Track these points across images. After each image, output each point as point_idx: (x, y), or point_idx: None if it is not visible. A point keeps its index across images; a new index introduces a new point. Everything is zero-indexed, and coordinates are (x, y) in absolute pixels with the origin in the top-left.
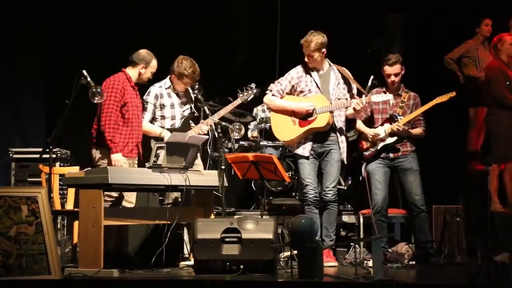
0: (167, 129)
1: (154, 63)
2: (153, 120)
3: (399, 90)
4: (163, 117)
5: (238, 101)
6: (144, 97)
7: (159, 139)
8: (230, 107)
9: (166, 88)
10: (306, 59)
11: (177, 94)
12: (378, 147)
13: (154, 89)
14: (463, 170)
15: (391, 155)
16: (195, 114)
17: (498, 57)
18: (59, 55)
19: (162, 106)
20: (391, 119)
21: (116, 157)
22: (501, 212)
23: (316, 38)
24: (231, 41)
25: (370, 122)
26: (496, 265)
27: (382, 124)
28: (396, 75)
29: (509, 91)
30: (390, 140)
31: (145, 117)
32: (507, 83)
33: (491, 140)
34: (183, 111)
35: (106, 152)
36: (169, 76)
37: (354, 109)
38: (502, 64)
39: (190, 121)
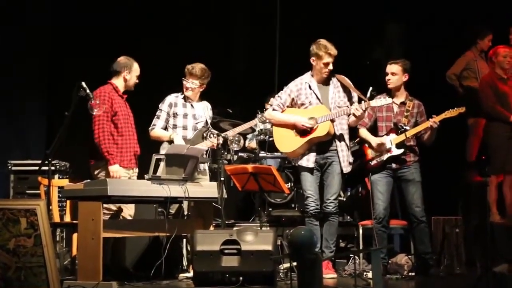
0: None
1: (136, 66)
2: (166, 128)
3: (398, 93)
4: (175, 126)
5: (255, 121)
6: (159, 105)
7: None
8: (247, 125)
9: (181, 98)
10: (320, 68)
11: (192, 106)
12: (384, 159)
13: (170, 97)
14: (462, 181)
15: (393, 165)
16: (210, 129)
17: (493, 70)
18: (60, 67)
19: (175, 115)
20: (396, 128)
21: (114, 168)
22: (500, 223)
23: (333, 46)
24: (231, 51)
25: (374, 130)
26: (495, 276)
27: (387, 133)
28: (393, 74)
29: (499, 104)
30: (397, 151)
31: (158, 124)
32: (497, 96)
33: (489, 151)
34: (196, 123)
35: (104, 164)
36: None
37: (354, 115)
38: (494, 78)
39: (205, 134)
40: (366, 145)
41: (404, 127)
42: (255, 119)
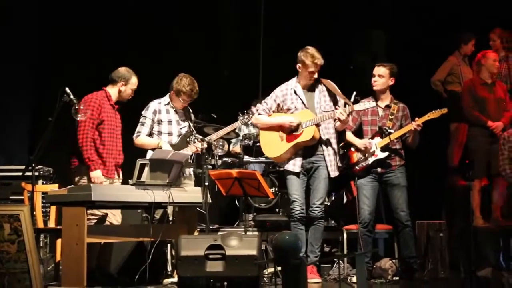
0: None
1: (134, 80)
2: (150, 135)
3: (383, 96)
4: (159, 133)
5: (237, 124)
6: (142, 112)
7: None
8: (229, 128)
9: (165, 105)
10: (305, 74)
11: (176, 111)
12: (369, 162)
13: (153, 104)
14: (445, 185)
15: (379, 169)
16: (194, 132)
17: (477, 74)
18: (45, 72)
19: (160, 122)
20: (381, 132)
21: (95, 174)
22: (484, 227)
23: (320, 56)
24: (215, 57)
25: (360, 134)
26: (479, 280)
27: (372, 137)
28: (379, 76)
29: (477, 109)
30: (382, 155)
31: (142, 131)
32: (476, 101)
33: (471, 156)
34: (181, 128)
35: (86, 170)
36: (169, 93)
37: (339, 119)
38: (475, 83)
39: (188, 139)
40: (352, 149)
41: (389, 130)
42: (237, 121)
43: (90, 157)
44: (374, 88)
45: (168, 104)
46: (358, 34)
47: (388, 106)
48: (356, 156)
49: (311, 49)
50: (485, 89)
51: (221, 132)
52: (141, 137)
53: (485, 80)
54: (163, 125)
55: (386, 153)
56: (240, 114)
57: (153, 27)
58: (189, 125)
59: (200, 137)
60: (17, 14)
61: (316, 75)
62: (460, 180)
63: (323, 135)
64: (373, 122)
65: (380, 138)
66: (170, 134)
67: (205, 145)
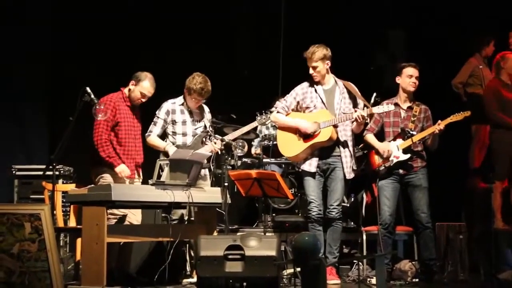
0: (176, 145)
1: (145, 84)
2: (164, 135)
3: (411, 100)
4: (174, 133)
5: (255, 123)
6: (156, 112)
7: (167, 156)
8: (246, 128)
9: (179, 105)
10: (311, 72)
11: (190, 112)
12: (392, 164)
13: (167, 104)
14: (466, 187)
15: (401, 171)
16: (209, 133)
17: (498, 76)
18: (63, 72)
19: (174, 122)
20: (403, 133)
21: (119, 169)
22: (504, 230)
23: (319, 50)
24: (234, 57)
25: (382, 136)
26: (500, 283)
27: (394, 139)
28: (416, 78)
29: (503, 110)
30: (404, 157)
31: (154, 131)
32: (501, 103)
33: (494, 157)
34: (196, 129)
35: (105, 170)
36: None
37: (356, 120)
38: (498, 84)
39: (204, 139)
40: (374, 151)
41: (411, 132)
42: (255, 121)
43: (109, 154)
44: (413, 89)
45: (182, 104)
46: (378, 35)
47: (410, 108)
48: (377, 159)
49: (311, 46)
50: (508, 91)
51: (238, 132)
52: (152, 137)
53: (506, 81)
54: (177, 125)
55: (408, 155)
56: (258, 114)
57: (172, 29)
58: (205, 125)
59: (219, 137)
60: (30, 14)
61: (320, 70)
62: (481, 182)
63: (341, 136)
64: (395, 124)
65: (402, 140)
66: (184, 134)
67: (221, 145)
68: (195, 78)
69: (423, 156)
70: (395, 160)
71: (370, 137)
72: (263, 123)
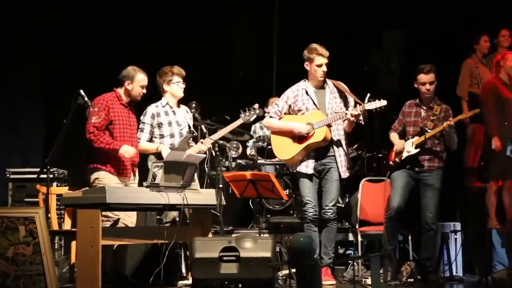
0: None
1: (139, 77)
2: (151, 140)
3: (432, 102)
4: (161, 136)
5: (239, 121)
6: (141, 118)
7: (160, 156)
8: (231, 127)
9: (163, 106)
10: (314, 71)
11: (174, 112)
12: (403, 157)
13: (151, 108)
14: (461, 186)
15: (416, 168)
16: (194, 134)
17: (497, 75)
18: (59, 75)
19: (160, 125)
20: (421, 132)
21: (124, 149)
22: (499, 229)
23: (324, 48)
24: (229, 58)
25: (404, 135)
26: (495, 282)
27: (413, 137)
28: (431, 83)
29: (500, 109)
30: (414, 151)
31: (142, 137)
32: (499, 102)
33: (488, 157)
34: (181, 129)
35: (101, 172)
36: (161, 91)
37: (348, 120)
38: (498, 83)
39: (189, 140)
40: (393, 148)
41: (428, 130)
42: (239, 119)
43: (107, 142)
44: (428, 96)
45: (166, 105)
46: (372, 35)
47: (431, 108)
48: (393, 155)
49: (314, 44)
50: (507, 90)
51: (223, 131)
52: (141, 144)
53: (505, 81)
54: (164, 127)
55: (418, 150)
56: (242, 112)
57: (167, 28)
58: (188, 125)
59: (210, 137)
60: (30, 14)
61: (324, 68)
62: (476, 181)
63: (334, 136)
64: (415, 123)
65: (418, 137)
66: (172, 136)
67: (209, 146)
68: (164, 70)
69: (440, 157)
70: (406, 154)
71: (392, 135)
72: (248, 120)
